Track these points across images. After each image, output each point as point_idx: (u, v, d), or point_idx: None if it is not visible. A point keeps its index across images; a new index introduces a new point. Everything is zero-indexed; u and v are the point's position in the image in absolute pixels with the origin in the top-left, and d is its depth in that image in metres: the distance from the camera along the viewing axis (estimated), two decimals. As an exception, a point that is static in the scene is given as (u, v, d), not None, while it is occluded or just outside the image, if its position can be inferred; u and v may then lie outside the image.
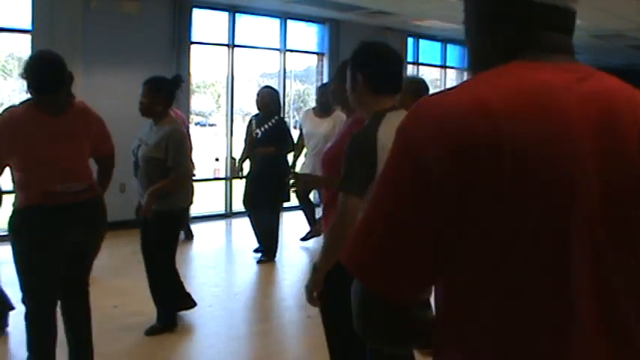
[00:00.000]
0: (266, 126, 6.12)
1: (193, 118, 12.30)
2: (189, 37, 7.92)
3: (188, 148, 4.11)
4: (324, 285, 2.54)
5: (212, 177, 8.81)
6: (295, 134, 6.55)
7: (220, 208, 8.69)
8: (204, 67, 9.59)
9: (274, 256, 6.34)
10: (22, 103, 3.18)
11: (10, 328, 4.20)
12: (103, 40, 7.02)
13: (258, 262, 6.25)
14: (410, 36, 10.85)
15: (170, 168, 3.98)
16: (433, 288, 0.98)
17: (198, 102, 13.60)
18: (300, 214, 7.11)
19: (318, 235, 6.65)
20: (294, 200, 6.76)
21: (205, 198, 7.30)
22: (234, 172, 6.66)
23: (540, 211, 0.84)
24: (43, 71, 3.02)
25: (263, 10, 8.79)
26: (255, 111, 6.35)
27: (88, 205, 3.16)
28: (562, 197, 0.85)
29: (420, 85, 4.13)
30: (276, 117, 6.19)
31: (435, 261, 0.89)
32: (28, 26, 6.75)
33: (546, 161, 0.84)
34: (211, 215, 8.43)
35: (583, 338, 0.87)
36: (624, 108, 0.91)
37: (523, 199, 0.84)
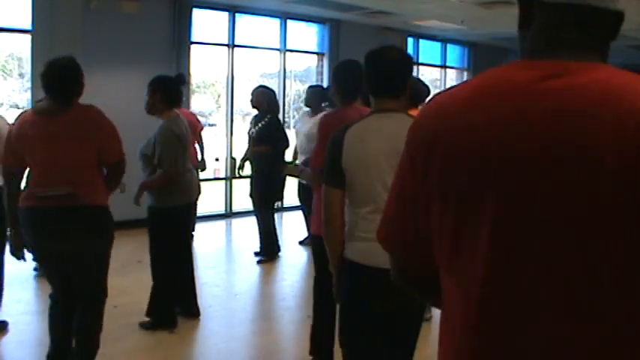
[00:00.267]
0: (259, 125, 6.14)
1: (193, 118, 12.25)
2: (189, 37, 7.92)
3: (177, 147, 4.06)
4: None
5: (212, 177, 8.81)
6: (292, 134, 6.57)
7: (220, 208, 8.69)
8: (204, 67, 9.56)
9: (274, 255, 6.34)
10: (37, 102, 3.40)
11: (10, 328, 4.19)
12: (103, 40, 7.02)
13: (259, 262, 6.26)
14: (410, 36, 10.85)
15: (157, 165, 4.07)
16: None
17: (198, 102, 13.61)
18: (300, 213, 7.10)
19: None
20: (294, 200, 6.77)
21: (205, 198, 7.30)
22: (234, 171, 6.71)
23: (462, 187, 0.99)
24: (50, 74, 3.14)
25: (263, 10, 8.79)
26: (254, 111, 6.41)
27: (55, 213, 3.09)
28: (477, 180, 0.97)
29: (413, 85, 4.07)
30: (269, 116, 6.19)
31: (425, 228, 1.07)
32: (28, 26, 6.75)
33: (463, 148, 0.98)
34: (211, 215, 8.43)
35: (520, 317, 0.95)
36: (587, 106, 0.90)
37: (451, 179, 1.00)
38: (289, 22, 9.19)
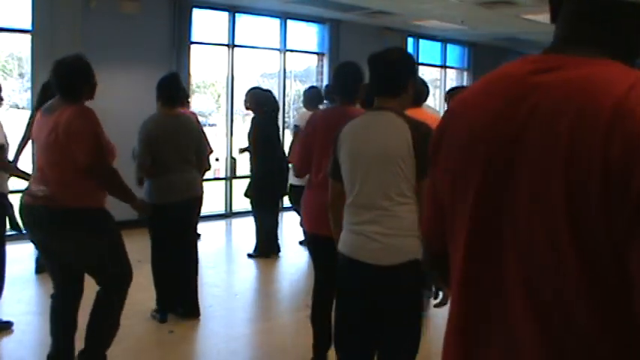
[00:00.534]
0: (249, 126, 6.23)
1: (193, 118, 12.25)
2: (189, 37, 7.92)
3: (142, 143, 4.13)
4: None
5: (212, 177, 8.81)
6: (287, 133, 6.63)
7: (220, 208, 8.69)
8: (204, 67, 9.56)
9: (268, 254, 6.38)
10: None
11: (13, 328, 4.19)
12: (103, 40, 7.02)
13: (249, 255, 6.36)
14: (410, 36, 10.85)
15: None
16: None
17: (198, 102, 13.60)
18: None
19: None
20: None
21: (205, 198, 7.29)
22: (235, 171, 6.87)
23: (456, 167, 1.05)
24: (57, 73, 3.23)
25: (263, 10, 8.79)
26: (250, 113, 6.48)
27: (39, 212, 3.14)
28: (466, 164, 1.03)
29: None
30: (253, 116, 6.26)
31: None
32: (28, 26, 6.75)
33: (461, 135, 1.05)
34: (211, 215, 8.42)
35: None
36: (559, 101, 0.90)
37: (449, 161, 1.08)
38: (289, 22, 9.19)
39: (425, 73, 11.71)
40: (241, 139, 6.73)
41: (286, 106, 9.47)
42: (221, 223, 8.42)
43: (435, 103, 11.46)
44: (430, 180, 1.19)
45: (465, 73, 12.50)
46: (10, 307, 4.29)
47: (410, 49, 10.96)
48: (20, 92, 10.82)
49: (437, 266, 1.28)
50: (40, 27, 6.66)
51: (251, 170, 6.34)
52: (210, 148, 5.00)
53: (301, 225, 3.79)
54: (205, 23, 8.40)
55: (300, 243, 7.01)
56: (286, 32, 9.18)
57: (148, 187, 4.26)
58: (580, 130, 0.86)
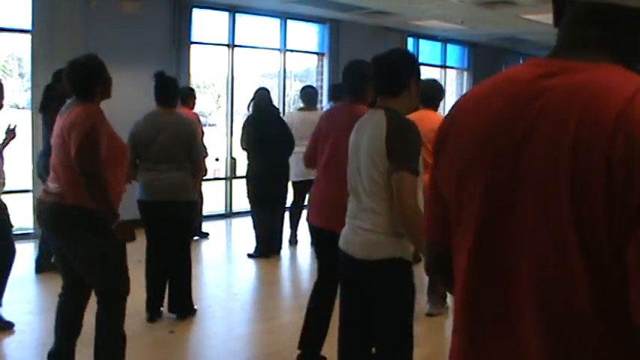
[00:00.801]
0: None
1: (193, 118, 12.27)
2: (189, 37, 7.92)
3: (129, 140, 4.16)
4: None
5: (212, 177, 8.81)
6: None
7: (220, 208, 8.69)
8: (204, 67, 9.56)
9: (268, 253, 6.38)
10: None
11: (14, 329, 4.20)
12: (103, 40, 7.01)
13: (249, 255, 6.35)
14: (410, 36, 10.85)
15: None
16: None
17: (198, 102, 13.61)
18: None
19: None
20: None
21: (205, 198, 7.31)
22: (235, 171, 6.95)
23: (460, 167, 1.06)
24: (69, 73, 3.23)
25: (263, 10, 8.79)
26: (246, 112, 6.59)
27: (47, 209, 3.17)
28: (471, 165, 1.04)
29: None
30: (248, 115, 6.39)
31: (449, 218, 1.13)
32: (28, 26, 6.74)
33: (466, 135, 1.06)
34: (211, 215, 8.42)
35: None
36: (562, 106, 0.92)
37: (455, 160, 1.08)
38: (289, 22, 9.19)
39: (425, 73, 11.68)
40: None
41: (286, 106, 9.47)
42: (221, 223, 8.42)
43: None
44: (432, 180, 1.18)
45: (465, 73, 12.50)
46: (10, 307, 4.28)
47: (410, 49, 10.97)
48: (20, 92, 10.83)
49: (440, 269, 1.27)
50: (40, 27, 6.66)
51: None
52: (206, 152, 4.90)
53: (307, 220, 3.84)
54: (205, 23, 8.40)
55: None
56: (286, 32, 9.17)
57: (139, 183, 4.33)
58: (585, 134, 0.87)
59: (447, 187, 1.11)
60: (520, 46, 12.51)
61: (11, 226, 4.22)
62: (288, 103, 9.78)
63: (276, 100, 8.00)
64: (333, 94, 6.94)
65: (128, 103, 6.05)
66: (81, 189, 3.06)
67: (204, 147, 4.86)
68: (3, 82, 4.30)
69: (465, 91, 12.37)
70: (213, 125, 12.70)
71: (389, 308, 2.68)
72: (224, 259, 6.89)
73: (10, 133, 4.50)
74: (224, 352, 4.09)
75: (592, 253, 0.87)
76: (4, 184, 4.19)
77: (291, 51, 9.38)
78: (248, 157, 6.32)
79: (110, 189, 3.10)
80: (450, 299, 4.76)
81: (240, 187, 8.54)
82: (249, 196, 6.39)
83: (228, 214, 8.68)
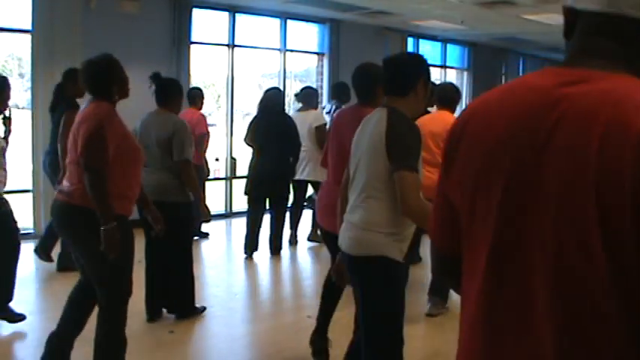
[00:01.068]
0: None
1: (193, 118, 12.27)
2: (189, 37, 7.92)
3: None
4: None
5: (212, 177, 8.81)
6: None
7: (220, 208, 8.69)
8: (204, 67, 9.57)
9: (248, 252, 6.41)
10: None
11: (11, 327, 4.19)
12: (103, 40, 7.01)
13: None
14: (410, 36, 10.85)
15: None
16: None
17: (198, 102, 13.65)
18: (307, 213, 7.10)
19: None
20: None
21: (205, 198, 7.29)
22: (235, 171, 6.99)
23: (479, 179, 1.07)
24: (83, 73, 3.25)
25: (263, 10, 8.79)
26: (255, 111, 6.56)
27: (56, 207, 3.24)
28: (490, 165, 1.05)
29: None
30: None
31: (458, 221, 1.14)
32: (28, 26, 6.74)
33: (484, 136, 1.06)
34: (211, 215, 8.41)
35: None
36: (584, 113, 0.94)
37: (472, 161, 1.08)
38: (289, 22, 9.19)
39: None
40: (241, 139, 6.75)
41: (286, 107, 9.46)
42: (221, 223, 8.42)
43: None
44: (440, 183, 1.19)
45: (465, 73, 12.50)
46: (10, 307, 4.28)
47: (410, 49, 10.97)
48: (20, 92, 10.83)
49: (447, 272, 1.28)
50: (40, 27, 6.66)
51: None
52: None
53: (318, 220, 3.90)
54: (205, 23, 8.40)
55: (308, 239, 6.98)
56: (286, 32, 9.17)
57: None
58: (610, 143, 0.90)
59: (460, 190, 1.11)
60: (520, 46, 12.52)
61: (15, 222, 4.23)
62: (288, 103, 9.78)
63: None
64: (334, 94, 6.96)
65: (128, 103, 6.04)
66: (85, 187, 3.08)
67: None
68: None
69: (465, 91, 12.36)
70: (213, 125, 12.72)
71: (368, 305, 2.69)
72: (224, 259, 6.89)
73: (8, 121, 4.49)
74: (224, 352, 4.09)
75: (617, 254, 0.89)
76: (5, 183, 4.19)
77: (291, 51, 9.37)
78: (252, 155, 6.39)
79: (118, 191, 3.09)
80: (450, 301, 4.76)
81: (240, 188, 8.55)
82: (245, 193, 6.38)
83: (228, 214, 8.68)
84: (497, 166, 1.03)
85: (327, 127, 5.85)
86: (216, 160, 8.79)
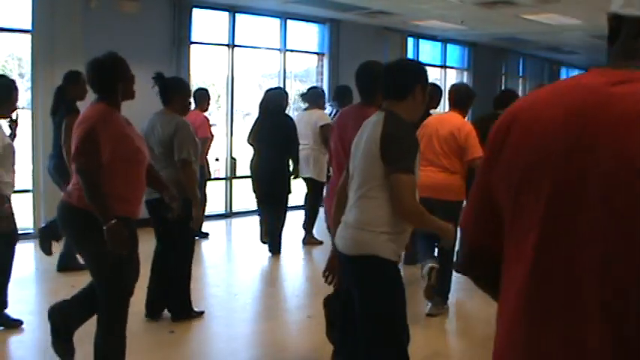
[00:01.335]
0: None
1: (193, 118, 12.26)
2: (189, 37, 7.92)
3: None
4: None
5: (212, 177, 8.81)
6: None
7: (220, 208, 8.69)
8: (204, 67, 9.56)
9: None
10: None
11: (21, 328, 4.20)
12: (103, 40, 7.00)
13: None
14: (410, 36, 10.85)
15: None
16: None
17: (198, 102, 13.65)
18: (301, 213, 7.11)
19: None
20: (294, 200, 6.79)
21: (206, 200, 7.30)
22: (235, 171, 7.06)
23: (529, 160, 1.09)
24: (88, 73, 3.26)
25: (263, 10, 8.80)
26: (255, 111, 6.60)
27: (60, 206, 3.24)
28: (540, 159, 1.07)
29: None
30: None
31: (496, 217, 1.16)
32: (28, 26, 6.74)
33: (534, 129, 1.09)
34: (211, 215, 8.42)
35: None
36: (636, 111, 0.99)
37: (522, 152, 1.10)
38: (289, 22, 9.20)
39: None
40: (241, 139, 6.77)
41: (287, 107, 9.46)
42: (221, 223, 8.42)
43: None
44: (483, 179, 1.20)
45: (465, 73, 12.50)
46: (10, 307, 4.28)
47: (410, 49, 10.98)
48: (20, 92, 10.81)
49: (476, 267, 1.30)
50: (40, 27, 6.66)
51: None
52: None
53: (326, 221, 3.94)
54: (205, 23, 8.40)
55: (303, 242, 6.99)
56: (286, 32, 9.18)
57: None
58: None
59: (506, 182, 1.13)
60: (520, 46, 12.52)
61: (14, 224, 4.24)
62: (290, 104, 9.79)
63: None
64: (335, 97, 6.97)
65: (128, 103, 6.04)
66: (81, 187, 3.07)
67: (198, 151, 4.54)
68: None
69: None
70: (213, 125, 12.72)
71: (366, 305, 2.69)
72: (224, 259, 6.89)
73: (14, 123, 4.52)
74: (224, 352, 4.09)
75: None
76: (14, 185, 4.21)
77: (291, 51, 9.38)
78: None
79: (118, 192, 3.05)
80: (449, 301, 4.76)
81: (240, 188, 8.56)
82: (253, 191, 6.50)
83: (228, 214, 8.69)
84: (548, 159, 1.06)
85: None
86: (216, 160, 8.80)
